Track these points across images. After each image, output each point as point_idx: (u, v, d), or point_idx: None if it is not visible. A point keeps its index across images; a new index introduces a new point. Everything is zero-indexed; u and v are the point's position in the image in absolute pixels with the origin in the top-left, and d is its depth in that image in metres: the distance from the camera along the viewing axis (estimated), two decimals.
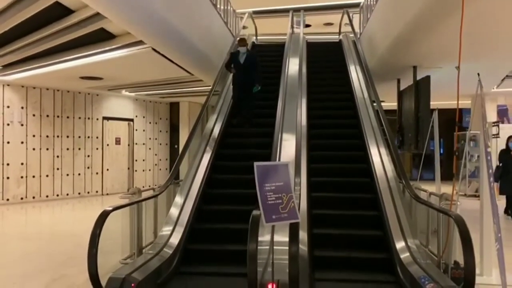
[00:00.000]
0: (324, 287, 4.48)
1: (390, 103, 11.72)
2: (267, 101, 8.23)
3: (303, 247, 4.87)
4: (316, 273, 4.77)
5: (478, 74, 4.19)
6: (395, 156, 6.01)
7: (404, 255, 4.71)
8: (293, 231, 3.39)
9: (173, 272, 4.85)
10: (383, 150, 6.58)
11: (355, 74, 9.26)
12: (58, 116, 12.38)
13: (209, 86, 8.95)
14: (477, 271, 4.95)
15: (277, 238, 4.61)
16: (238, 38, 8.63)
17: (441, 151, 18.98)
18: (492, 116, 12.58)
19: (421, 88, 8.14)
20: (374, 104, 7.64)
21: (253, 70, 7.72)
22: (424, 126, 7.94)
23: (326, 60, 10.48)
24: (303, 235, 5.05)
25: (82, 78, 10.78)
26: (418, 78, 8.58)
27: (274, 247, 4.55)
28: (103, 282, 3.79)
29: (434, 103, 8.94)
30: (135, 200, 5.00)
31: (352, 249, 5.12)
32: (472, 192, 12.64)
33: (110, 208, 3.98)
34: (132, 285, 3.93)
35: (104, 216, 3.80)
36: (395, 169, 6.08)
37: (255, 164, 3.15)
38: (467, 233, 3.28)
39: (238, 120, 7.76)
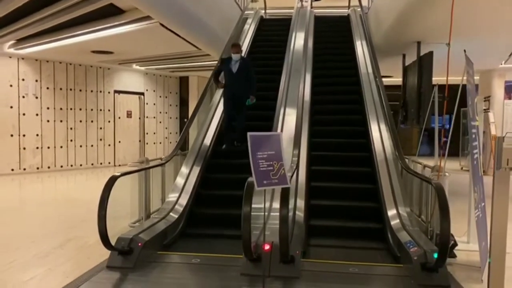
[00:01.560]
0: (317, 251, 4.79)
1: (397, 79, 11.81)
2: (273, 76, 8.40)
3: (300, 214, 5.21)
4: (312, 240, 5.10)
5: (465, 51, 4.33)
6: (391, 131, 6.21)
7: (394, 222, 5.01)
8: (284, 196, 3.68)
9: (179, 234, 5.24)
10: (383, 126, 6.80)
11: (360, 50, 9.37)
12: (71, 89, 12.73)
13: (217, 60, 9.13)
14: (465, 239, 5.25)
15: (275, 205, 4.96)
16: (231, 43, 7.36)
17: (449, 127, 19.10)
18: (499, 92, 12.59)
19: (424, 63, 8.23)
20: (377, 79, 7.81)
21: (247, 80, 6.62)
22: (425, 102, 8.08)
23: (333, 36, 10.56)
24: (300, 203, 5.38)
25: (94, 52, 11.05)
26: (423, 53, 8.66)
27: (272, 214, 4.91)
28: (113, 242, 4.17)
29: (443, 79, 9.05)
30: (142, 167, 5.32)
31: (347, 219, 5.43)
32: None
33: (118, 174, 4.32)
34: (139, 244, 4.30)
35: (112, 180, 4.14)
36: (393, 144, 6.31)
37: (249, 134, 3.42)
38: (444, 199, 3.55)
39: (228, 145, 6.64)
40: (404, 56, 10.08)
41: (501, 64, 11.68)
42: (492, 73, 12.52)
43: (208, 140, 6.86)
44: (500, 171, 3.15)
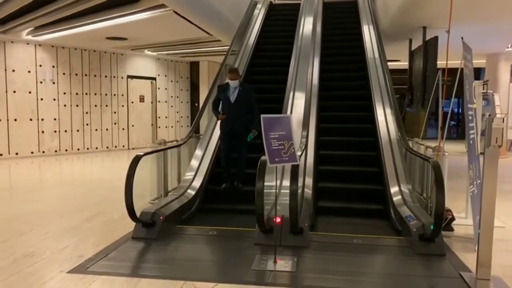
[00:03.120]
0: (324, 227, 5.16)
1: (404, 63, 12.01)
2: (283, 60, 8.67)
3: (308, 191, 5.58)
4: (319, 218, 5.49)
5: (462, 38, 4.59)
6: (395, 114, 6.52)
7: (396, 198, 5.37)
8: (293, 172, 4.05)
9: (196, 210, 5.65)
10: (388, 110, 7.09)
11: (368, 35, 9.58)
12: (86, 75, 13.13)
13: (227, 46, 9.43)
14: (463, 214, 5.58)
15: (286, 183, 5.33)
16: (228, 68, 6.50)
17: (458, 111, 19.20)
18: (505, 75, 12.75)
19: (429, 48, 8.47)
20: (383, 64, 8.06)
21: (249, 111, 5.74)
22: (430, 86, 8.33)
23: (341, 21, 10.75)
24: (309, 181, 5.76)
25: (108, 38, 11.40)
26: (428, 38, 8.88)
27: (283, 191, 5.29)
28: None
29: (452, 63, 9.27)
30: (162, 147, 5.72)
31: (352, 201, 5.79)
32: (482, 150, 13.04)
33: (142, 153, 4.71)
34: (161, 217, 4.72)
35: (137, 159, 4.53)
36: (398, 127, 6.60)
37: (262, 116, 3.78)
38: (439, 174, 3.89)
39: (227, 183, 5.93)
40: (410, 40, 10.30)
41: (508, 48, 11.83)
42: (499, 57, 12.67)
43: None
44: (490, 148, 3.47)
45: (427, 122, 8.88)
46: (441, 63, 8.91)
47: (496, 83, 12.88)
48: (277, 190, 5.29)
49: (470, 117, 4.40)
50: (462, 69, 4.46)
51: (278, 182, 5.40)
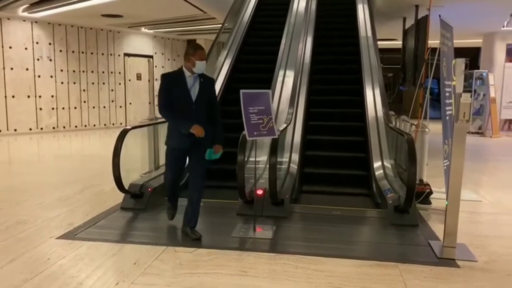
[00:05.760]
0: (308, 197, 5.38)
1: (399, 42, 12.02)
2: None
3: (294, 166, 5.77)
4: (304, 187, 5.70)
5: (440, 16, 4.68)
6: (381, 90, 6.66)
7: (378, 172, 5.56)
8: (273, 146, 4.22)
9: (185, 183, 5.82)
10: (377, 87, 7.21)
11: (361, 14, 9.60)
12: (82, 52, 13.20)
13: (220, 24, 9.47)
14: (443, 190, 5.77)
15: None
16: (193, 46, 3.86)
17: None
18: (500, 55, 12.77)
19: (421, 27, 8.52)
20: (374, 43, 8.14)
21: (210, 116, 3.84)
22: (421, 64, 8.41)
23: None
24: (295, 156, 5.95)
25: (104, 16, 11.44)
26: (421, 16, 8.91)
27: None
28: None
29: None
30: (150, 122, 5.88)
31: (337, 168, 5.98)
32: (475, 129, 13.18)
33: (129, 127, 4.88)
34: (149, 189, 4.92)
35: (124, 132, 4.70)
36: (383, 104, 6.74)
37: (241, 91, 3.91)
38: (412, 148, 4.08)
39: (172, 213, 4.29)
40: (404, 19, 10.33)
41: (503, 27, 11.83)
42: (494, 36, 12.67)
43: None
44: (458, 123, 3.62)
45: (427, 102, 8.98)
46: (432, 42, 8.99)
47: (492, 62, 12.92)
48: (262, 165, 5.50)
49: (447, 94, 4.52)
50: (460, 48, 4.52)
51: (264, 158, 5.58)
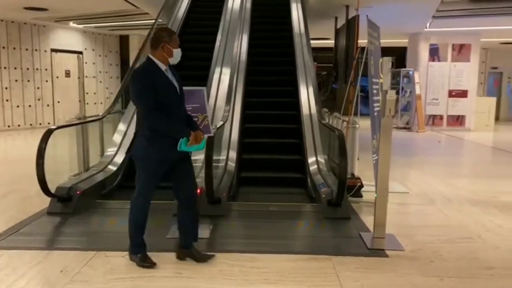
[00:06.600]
0: (246, 197, 5.36)
1: (332, 41, 12.42)
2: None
3: (231, 164, 5.76)
4: (242, 189, 5.69)
5: (367, 16, 4.88)
6: (314, 89, 6.83)
7: (313, 168, 5.69)
8: (208, 144, 4.16)
9: (118, 185, 5.62)
10: (311, 86, 7.36)
11: (295, 13, 9.76)
12: (4, 47, 12.28)
13: (153, 20, 9.22)
14: (374, 183, 6.03)
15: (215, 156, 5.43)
16: (167, 31, 3.32)
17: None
18: (424, 54, 13.58)
19: (351, 26, 8.84)
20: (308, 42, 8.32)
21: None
22: (351, 63, 8.73)
23: None
24: (232, 155, 5.94)
25: (26, 8, 10.70)
26: (351, 16, 9.25)
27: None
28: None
29: (381, 41, 9.77)
30: (79, 121, 5.60)
31: (275, 170, 6.05)
32: (403, 124, 13.96)
33: (54, 127, 4.60)
34: (78, 192, 4.67)
35: (48, 133, 4.42)
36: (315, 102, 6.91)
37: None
38: (343, 143, 4.22)
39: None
40: (336, 19, 10.67)
41: (426, 28, 12.57)
42: (419, 36, 13.45)
43: None
44: (385, 118, 3.79)
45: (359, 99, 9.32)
46: (363, 41, 9.37)
47: (417, 61, 13.70)
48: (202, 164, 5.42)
49: (375, 91, 4.72)
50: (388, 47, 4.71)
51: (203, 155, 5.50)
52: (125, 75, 7.05)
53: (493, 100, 14.48)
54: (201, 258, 3.38)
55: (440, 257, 3.56)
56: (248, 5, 9.64)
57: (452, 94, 13.73)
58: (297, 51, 8.30)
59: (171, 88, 3.18)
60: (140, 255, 3.30)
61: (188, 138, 3.15)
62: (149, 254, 3.40)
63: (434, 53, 13.62)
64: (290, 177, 5.94)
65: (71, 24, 13.51)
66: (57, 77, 13.69)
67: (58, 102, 13.73)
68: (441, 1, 9.28)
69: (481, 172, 7.71)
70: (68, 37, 14.03)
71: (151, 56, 3.16)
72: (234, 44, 7.81)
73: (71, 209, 4.51)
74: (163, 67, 3.16)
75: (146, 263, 3.27)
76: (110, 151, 6.03)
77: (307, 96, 7.14)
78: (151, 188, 3.30)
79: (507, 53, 17.28)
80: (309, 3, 9.94)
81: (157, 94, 3.06)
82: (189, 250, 3.41)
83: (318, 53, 15.57)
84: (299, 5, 9.86)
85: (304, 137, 6.31)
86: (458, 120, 13.90)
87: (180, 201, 3.40)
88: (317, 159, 5.81)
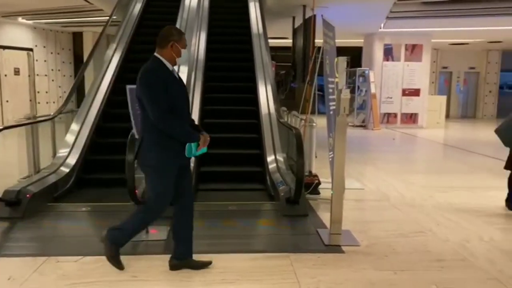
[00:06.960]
0: (205, 195, 5.32)
1: (290, 40, 12.53)
2: None
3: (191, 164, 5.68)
4: (201, 185, 5.64)
5: (322, 15, 4.96)
6: (272, 87, 6.86)
7: (272, 166, 5.72)
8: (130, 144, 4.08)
9: (71, 186, 5.42)
10: (269, 84, 7.40)
11: (253, 12, 9.77)
12: None
13: (107, 16, 8.96)
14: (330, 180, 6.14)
15: None
16: (177, 30, 3.13)
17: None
18: (379, 54, 13.97)
19: (308, 26, 8.95)
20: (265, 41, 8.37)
21: None
22: (308, 62, 8.84)
23: None
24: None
25: None
26: (308, 16, 9.36)
27: None
28: None
29: (338, 41, 9.94)
30: (28, 121, 5.35)
31: (235, 165, 6.03)
32: (359, 122, 14.30)
33: (1, 127, 4.37)
34: (28, 196, 4.46)
35: None
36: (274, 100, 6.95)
37: (127, 87, 3.72)
38: (300, 142, 4.27)
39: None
40: (293, 18, 10.77)
41: (380, 28, 12.94)
42: (374, 37, 13.82)
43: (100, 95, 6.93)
44: (340, 116, 3.86)
45: (317, 98, 9.46)
46: (319, 41, 9.51)
47: (372, 61, 14.06)
48: None
49: (330, 90, 4.80)
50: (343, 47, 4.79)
51: None
52: (78, 73, 6.81)
53: (443, 99, 15.11)
54: (199, 266, 3.24)
55: (394, 251, 3.67)
56: (206, 3, 9.58)
57: (406, 92, 14.21)
58: (255, 49, 8.33)
59: (181, 90, 3.07)
60: (118, 251, 3.17)
61: (198, 143, 3.02)
62: (103, 258, 3.25)
63: (388, 53, 14.03)
64: (250, 171, 5.95)
65: (20, 19, 12.91)
66: (5, 75, 13.03)
67: (7, 101, 13.08)
68: (394, 2, 9.57)
69: (433, 167, 8.02)
70: (17, 33, 13.38)
71: (158, 55, 3.01)
72: (192, 42, 7.74)
73: (21, 213, 4.31)
74: (170, 67, 3.02)
75: (117, 261, 3.16)
76: (63, 152, 5.81)
77: (265, 94, 7.17)
78: (170, 191, 3.06)
79: (456, 54, 18.11)
80: (267, 3, 9.98)
81: (169, 96, 2.91)
82: (187, 261, 3.23)
83: (277, 52, 15.69)
84: (257, 4, 9.89)
85: (263, 135, 6.33)
86: (411, 118, 14.40)
87: (181, 208, 3.19)
88: (276, 157, 5.84)
